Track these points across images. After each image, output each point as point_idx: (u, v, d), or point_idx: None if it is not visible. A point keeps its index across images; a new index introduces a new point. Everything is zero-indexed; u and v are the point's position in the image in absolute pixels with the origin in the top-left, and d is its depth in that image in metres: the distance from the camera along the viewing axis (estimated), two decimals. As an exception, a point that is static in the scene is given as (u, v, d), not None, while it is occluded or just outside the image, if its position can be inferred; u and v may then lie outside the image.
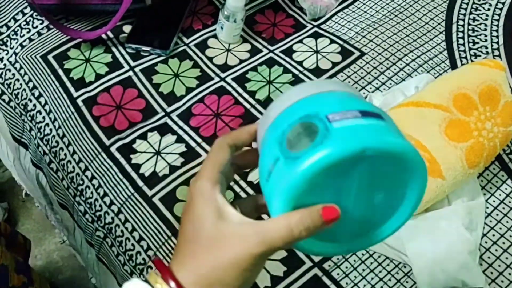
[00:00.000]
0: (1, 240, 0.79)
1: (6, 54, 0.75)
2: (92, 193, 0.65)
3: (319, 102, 0.31)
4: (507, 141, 0.63)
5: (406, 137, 0.60)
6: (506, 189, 0.65)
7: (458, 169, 0.59)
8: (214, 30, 0.79)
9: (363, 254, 0.59)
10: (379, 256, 0.59)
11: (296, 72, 0.74)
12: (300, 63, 0.75)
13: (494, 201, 0.64)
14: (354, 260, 0.59)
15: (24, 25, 0.77)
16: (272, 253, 0.30)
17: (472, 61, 0.77)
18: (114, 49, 0.75)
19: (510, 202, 0.64)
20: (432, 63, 0.76)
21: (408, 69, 0.75)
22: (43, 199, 0.80)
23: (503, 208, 0.63)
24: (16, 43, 0.76)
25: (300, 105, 0.32)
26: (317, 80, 0.28)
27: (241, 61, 0.76)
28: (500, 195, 0.64)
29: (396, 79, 0.74)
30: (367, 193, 0.32)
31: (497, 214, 0.63)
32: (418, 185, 0.32)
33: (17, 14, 0.78)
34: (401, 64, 0.75)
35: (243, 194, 0.62)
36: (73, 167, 0.67)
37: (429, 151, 0.59)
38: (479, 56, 0.78)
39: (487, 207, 0.63)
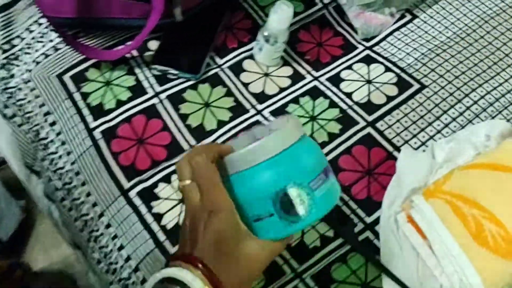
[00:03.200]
0: None
1: (19, 71, 0.67)
2: (107, 242, 0.58)
3: (298, 163, 0.41)
4: None
5: (478, 207, 0.50)
6: None
7: (539, 250, 0.49)
8: (251, 49, 0.69)
9: None
10: None
11: (345, 106, 0.64)
12: (349, 95, 0.65)
13: None
14: None
15: (39, 37, 0.69)
16: None
17: (552, 99, 0.66)
18: (137, 71, 0.66)
19: None
20: (504, 101, 0.65)
21: (477, 108, 0.64)
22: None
23: None
24: (30, 58, 0.67)
25: (282, 163, 0.40)
26: (282, 130, 0.40)
27: (281, 90, 0.66)
28: None
29: (462, 120, 0.63)
30: None
31: None
32: None
33: (32, 24, 0.70)
34: (468, 102, 0.65)
35: (278, 259, 0.54)
36: (88, 209, 0.60)
37: (505, 227, 0.49)
38: (561, 93, 0.66)
39: None
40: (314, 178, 0.40)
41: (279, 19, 0.62)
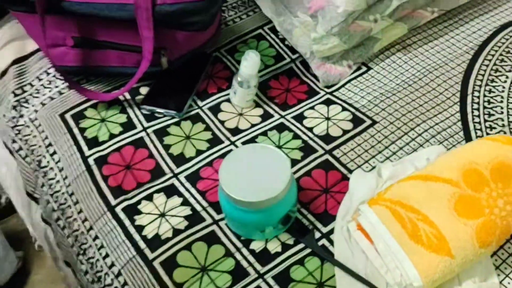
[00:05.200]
0: None
1: (27, 111, 0.78)
2: (94, 253, 0.65)
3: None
4: (522, 220, 0.60)
5: (413, 211, 0.58)
6: (522, 270, 0.61)
7: (468, 247, 0.56)
8: (228, 94, 0.81)
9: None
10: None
11: (306, 138, 0.74)
12: (310, 129, 0.76)
13: (509, 282, 0.60)
14: None
15: (47, 84, 0.81)
16: None
17: (487, 133, 0.76)
18: (129, 110, 0.77)
19: (527, 285, 0.60)
20: (445, 134, 0.75)
21: (420, 139, 0.74)
22: (49, 255, 0.81)
23: (519, 291, 0.59)
24: (38, 101, 0.79)
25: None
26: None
27: (252, 125, 0.76)
28: (516, 276, 0.61)
29: (408, 149, 0.73)
30: None
31: (512, 298, 0.59)
32: None
33: (41, 74, 0.82)
34: (413, 134, 0.75)
35: (244, 263, 0.61)
36: (78, 225, 0.67)
37: (436, 226, 0.57)
38: (495, 128, 0.76)
39: (502, 290, 0.59)
40: None
41: (249, 65, 0.74)
